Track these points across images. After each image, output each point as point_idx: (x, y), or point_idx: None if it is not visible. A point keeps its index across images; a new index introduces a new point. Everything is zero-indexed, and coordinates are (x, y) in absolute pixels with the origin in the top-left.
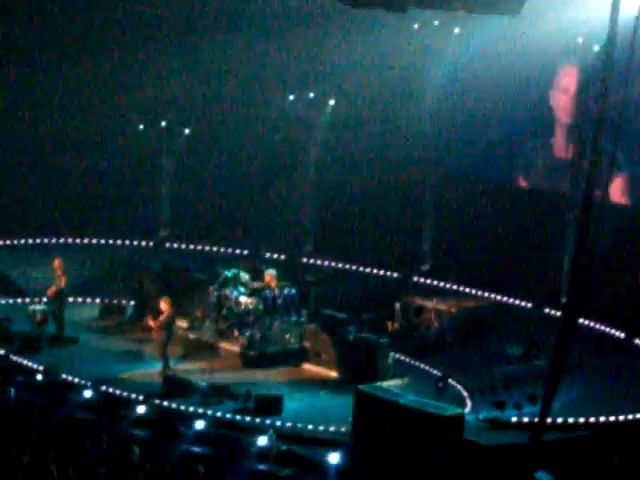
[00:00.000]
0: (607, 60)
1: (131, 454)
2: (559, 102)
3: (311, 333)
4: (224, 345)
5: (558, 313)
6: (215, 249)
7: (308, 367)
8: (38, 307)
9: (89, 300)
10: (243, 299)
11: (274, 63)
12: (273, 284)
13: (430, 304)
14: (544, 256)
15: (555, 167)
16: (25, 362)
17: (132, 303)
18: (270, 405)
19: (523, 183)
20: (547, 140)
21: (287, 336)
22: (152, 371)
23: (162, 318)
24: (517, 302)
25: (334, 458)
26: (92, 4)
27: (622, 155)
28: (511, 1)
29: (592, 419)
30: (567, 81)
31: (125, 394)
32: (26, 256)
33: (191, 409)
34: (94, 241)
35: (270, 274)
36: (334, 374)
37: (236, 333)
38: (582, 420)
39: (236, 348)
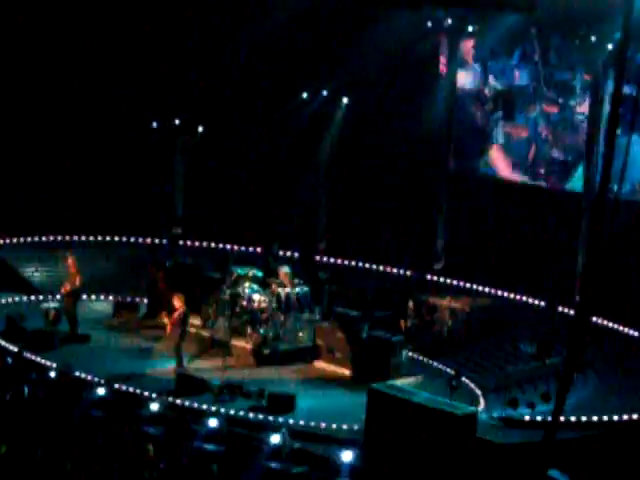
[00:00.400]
0: (620, 57)
1: (145, 452)
2: None
3: (324, 331)
4: (237, 343)
5: (571, 311)
6: (228, 247)
7: (321, 365)
8: (52, 305)
9: (102, 297)
10: (256, 297)
11: (287, 60)
12: (287, 281)
13: (443, 302)
14: (558, 254)
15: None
16: (38, 359)
17: (145, 300)
18: (283, 403)
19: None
20: None
21: (300, 334)
22: (165, 369)
23: (176, 315)
24: (530, 300)
25: (347, 456)
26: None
27: None
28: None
29: (605, 418)
30: None
31: (138, 392)
32: (39, 253)
33: (204, 407)
34: (108, 238)
35: (284, 272)
36: (347, 372)
37: (249, 331)
38: (595, 419)
39: (249, 346)
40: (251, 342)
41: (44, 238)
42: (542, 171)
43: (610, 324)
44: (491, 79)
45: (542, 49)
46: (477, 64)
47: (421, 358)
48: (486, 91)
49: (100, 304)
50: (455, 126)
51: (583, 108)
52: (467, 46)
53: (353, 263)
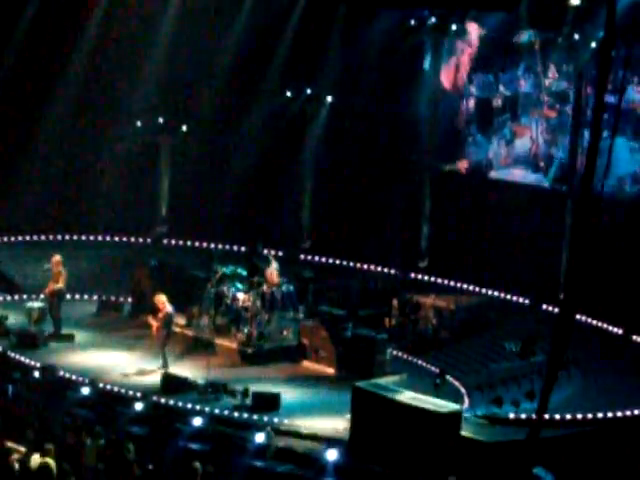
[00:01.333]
0: (604, 57)
1: (126, 451)
2: None
3: (309, 329)
4: (222, 342)
5: (556, 309)
6: (213, 245)
7: (306, 363)
8: (35, 304)
9: (87, 297)
10: (240, 296)
11: (270, 59)
12: (275, 277)
13: (428, 301)
14: (542, 252)
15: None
16: (22, 359)
17: (130, 300)
18: (268, 402)
19: None
20: None
21: (285, 332)
22: (150, 368)
23: (161, 316)
24: (515, 298)
25: (332, 455)
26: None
27: None
28: None
29: (590, 415)
30: None
31: (123, 391)
32: (23, 253)
33: (189, 406)
34: (91, 238)
35: (274, 267)
36: (332, 370)
37: (234, 330)
38: (580, 416)
39: (234, 345)
40: (236, 341)
41: (28, 237)
42: (542, 164)
43: (595, 322)
44: (501, 87)
45: (543, 63)
46: (490, 74)
47: (405, 356)
48: (497, 98)
49: (84, 304)
50: (441, 125)
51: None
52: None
53: (337, 262)
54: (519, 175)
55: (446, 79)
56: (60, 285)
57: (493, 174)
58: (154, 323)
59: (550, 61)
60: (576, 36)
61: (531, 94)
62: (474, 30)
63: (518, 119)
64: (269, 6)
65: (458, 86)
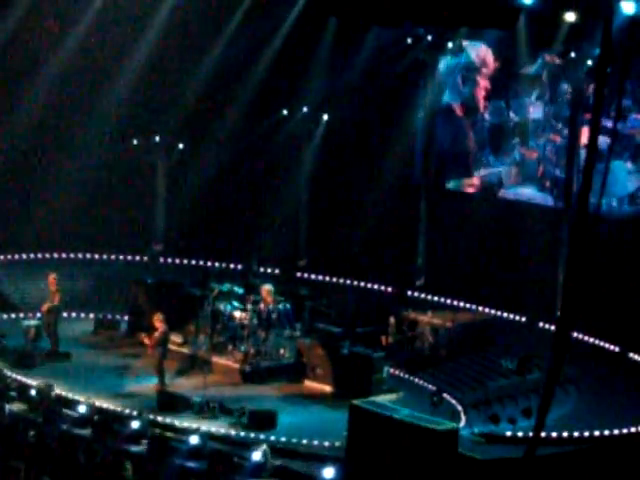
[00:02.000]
0: (599, 75)
1: (124, 470)
2: None
3: (306, 347)
4: (219, 360)
5: (552, 327)
6: (209, 264)
7: (302, 381)
8: (32, 322)
9: (83, 315)
10: (237, 314)
11: (268, 78)
12: (269, 299)
13: (424, 318)
14: (538, 270)
15: None
16: (19, 377)
17: (126, 318)
18: (264, 420)
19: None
20: None
21: (282, 350)
22: (147, 386)
23: (156, 335)
24: (511, 316)
25: (328, 473)
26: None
27: None
28: (505, 16)
29: (586, 433)
30: None
31: (119, 409)
32: (20, 271)
33: (186, 424)
34: (88, 256)
35: (267, 289)
36: (329, 388)
37: (230, 348)
38: (576, 434)
39: (231, 363)
40: (232, 359)
41: (24, 256)
42: (547, 184)
43: (591, 339)
44: (512, 114)
45: (551, 92)
46: (502, 101)
47: (402, 374)
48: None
49: (80, 322)
50: (439, 144)
51: (581, 140)
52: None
53: (334, 279)
54: (527, 194)
55: (459, 108)
56: (56, 303)
57: (502, 193)
58: (148, 342)
59: (557, 87)
60: (572, 54)
61: (539, 120)
62: (490, 61)
63: (527, 143)
64: (261, 23)
65: (472, 112)
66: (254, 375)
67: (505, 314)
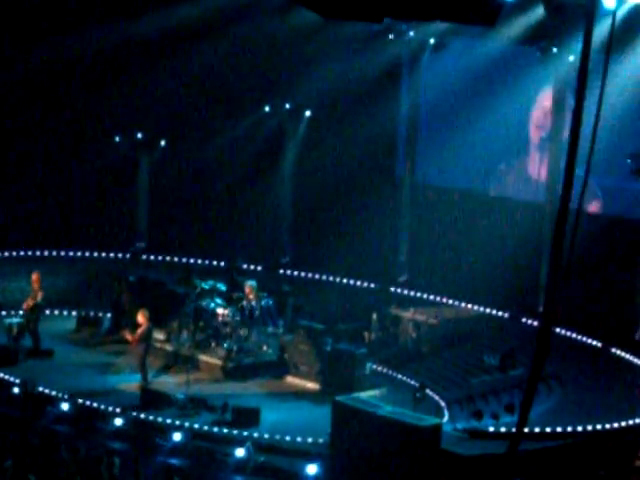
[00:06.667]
0: (581, 76)
1: (111, 466)
2: (535, 120)
3: (288, 344)
4: (202, 357)
5: (535, 323)
6: (192, 261)
7: (286, 378)
8: (14, 320)
9: (65, 312)
10: (220, 310)
11: (250, 74)
12: (252, 296)
13: (407, 315)
14: (521, 266)
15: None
16: (1, 375)
17: (109, 315)
18: (247, 417)
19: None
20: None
21: (264, 347)
22: (129, 383)
23: (139, 331)
24: (494, 312)
25: (312, 469)
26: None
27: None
28: (486, 12)
29: (569, 428)
30: (545, 98)
31: (102, 407)
32: (2, 268)
33: (169, 421)
34: (70, 253)
35: (250, 286)
36: (312, 385)
37: (213, 345)
38: (559, 430)
39: (214, 360)
40: (215, 356)
41: (7, 253)
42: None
43: (574, 335)
44: None
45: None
46: None
47: (385, 370)
48: None
49: (63, 319)
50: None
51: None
52: None
53: (317, 276)
54: (514, 190)
55: None
56: (39, 300)
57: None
58: (131, 338)
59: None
60: (554, 49)
61: None
62: None
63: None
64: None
65: None
66: (237, 372)
67: (487, 310)
